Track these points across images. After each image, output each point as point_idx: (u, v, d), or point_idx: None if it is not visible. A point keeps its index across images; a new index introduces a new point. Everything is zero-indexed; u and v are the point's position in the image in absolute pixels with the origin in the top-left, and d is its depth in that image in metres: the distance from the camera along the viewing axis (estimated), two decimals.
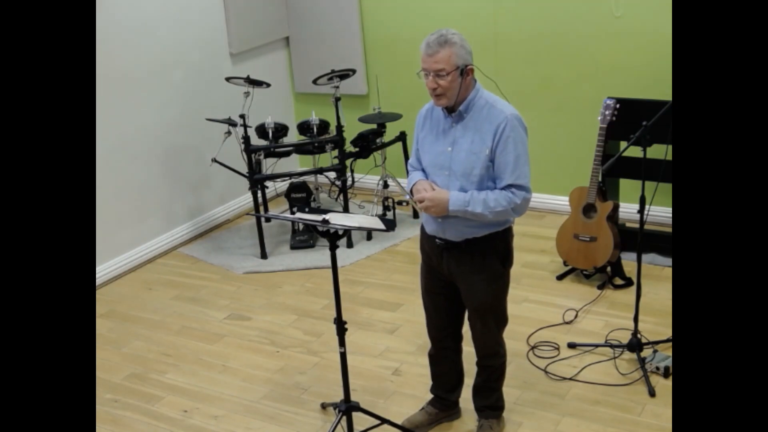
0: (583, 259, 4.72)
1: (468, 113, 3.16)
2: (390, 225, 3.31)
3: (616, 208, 4.72)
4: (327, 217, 3.16)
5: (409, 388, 3.97)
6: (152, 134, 5.57)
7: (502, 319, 3.43)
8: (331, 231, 3.27)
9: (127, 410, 3.99)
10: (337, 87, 5.44)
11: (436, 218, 3.23)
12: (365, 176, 6.19)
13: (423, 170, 3.33)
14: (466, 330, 3.49)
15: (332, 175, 5.80)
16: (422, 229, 3.39)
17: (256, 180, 5.44)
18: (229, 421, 3.84)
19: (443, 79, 3.06)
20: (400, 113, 5.72)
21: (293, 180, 5.72)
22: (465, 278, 3.29)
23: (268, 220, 5.99)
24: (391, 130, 5.79)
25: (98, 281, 5.24)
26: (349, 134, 5.66)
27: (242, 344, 4.50)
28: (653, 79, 5.10)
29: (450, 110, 3.19)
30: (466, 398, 3.64)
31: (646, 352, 3.97)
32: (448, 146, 3.19)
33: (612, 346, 4.09)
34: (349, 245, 5.54)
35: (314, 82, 5.54)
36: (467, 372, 3.64)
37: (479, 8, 5.66)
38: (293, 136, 6.09)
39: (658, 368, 3.87)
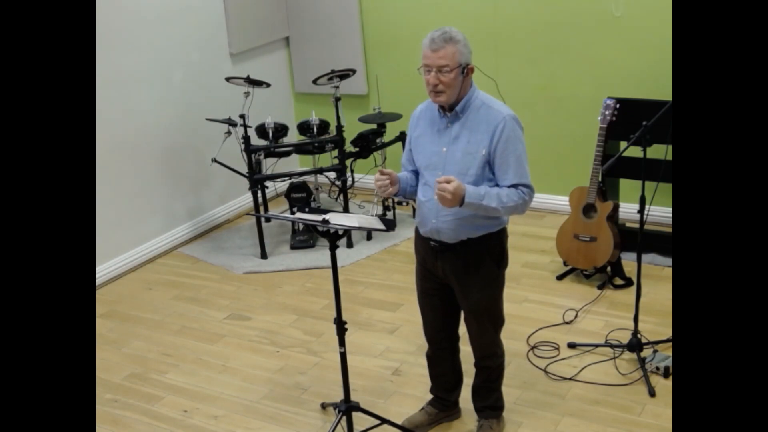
0: (583, 259, 4.72)
1: (464, 113, 3.16)
2: (390, 225, 3.31)
3: (616, 208, 4.72)
4: (327, 217, 3.16)
5: (409, 388, 3.97)
6: (152, 134, 5.57)
7: (498, 320, 3.43)
8: (331, 231, 3.27)
9: (127, 410, 3.99)
10: (337, 87, 5.44)
11: (430, 220, 3.23)
12: (365, 176, 6.19)
13: (414, 171, 3.33)
14: (463, 330, 3.49)
15: (332, 175, 5.80)
16: (416, 231, 3.39)
17: (256, 180, 5.44)
18: (229, 421, 3.84)
19: (445, 76, 3.06)
20: (400, 113, 5.73)
21: (293, 180, 5.72)
22: (460, 280, 3.29)
23: (268, 220, 5.99)
24: (391, 130, 5.79)
25: (98, 281, 5.24)
26: (349, 134, 5.66)
27: (242, 344, 4.50)
28: (653, 79, 5.10)
29: (446, 110, 3.19)
30: (466, 398, 3.64)
31: (646, 352, 3.97)
32: (444, 146, 3.19)
33: (612, 346, 4.09)
34: (349, 245, 5.54)
35: (314, 82, 5.54)
36: (466, 372, 3.64)
37: (479, 8, 5.66)
38: (293, 136, 6.09)
39: (658, 368, 3.87)
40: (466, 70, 3.09)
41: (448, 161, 3.17)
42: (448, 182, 2.99)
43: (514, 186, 3.12)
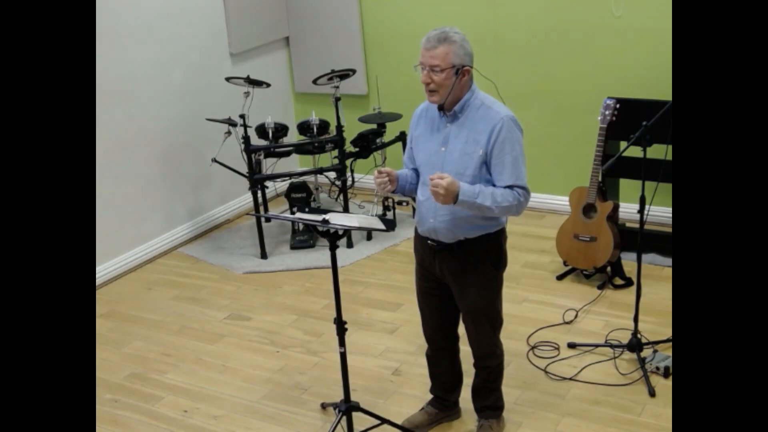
0: (583, 259, 4.72)
1: (463, 113, 3.16)
2: (390, 225, 3.31)
3: (616, 208, 4.72)
4: (327, 217, 3.16)
5: (409, 388, 3.97)
6: (152, 134, 5.57)
7: (496, 321, 3.42)
8: (331, 231, 3.27)
9: (127, 410, 3.99)
10: (337, 87, 5.44)
11: (428, 219, 3.23)
12: (365, 176, 6.19)
13: (415, 169, 3.34)
14: (463, 330, 3.49)
15: (332, 175, 5.80)
16: (416, 230, 3.39)
17: (256, 180, 5.44)
18: (229, 421, 3.84)
19: (437, 75, 3.06)
20: (400, 113, 5.73)
21: (293, 180, 5.72)
22: (457, 281, 3.29)
23: (268, 220, 5.99)
24: (391, 130, 5.79)
25: (98, 281, 5.24)
26: (349, 134, 5.66)
27: (242, 344, 4.50)
28: (653, 79, 5.10)
29: (445, 110, 3.19)
30: (465, 398, 3.64)
31: (646, 352, 3.97)
32: (442, 146, 3.19)
33: (612, 346, 4.09)
34: (349, 245, 5.54)
35: (314, 82, 5.54)
36: (466, 372, 3.64)
37: (479, 8, 5.66)
38: (293, 136, 6.09)
39: (658, 368, 3.87)
40: (460, 72, 3.09)
41: (446, 161, 3.17)
42: (442, 179, 3.00)
43: (510, 187, 3.12)
